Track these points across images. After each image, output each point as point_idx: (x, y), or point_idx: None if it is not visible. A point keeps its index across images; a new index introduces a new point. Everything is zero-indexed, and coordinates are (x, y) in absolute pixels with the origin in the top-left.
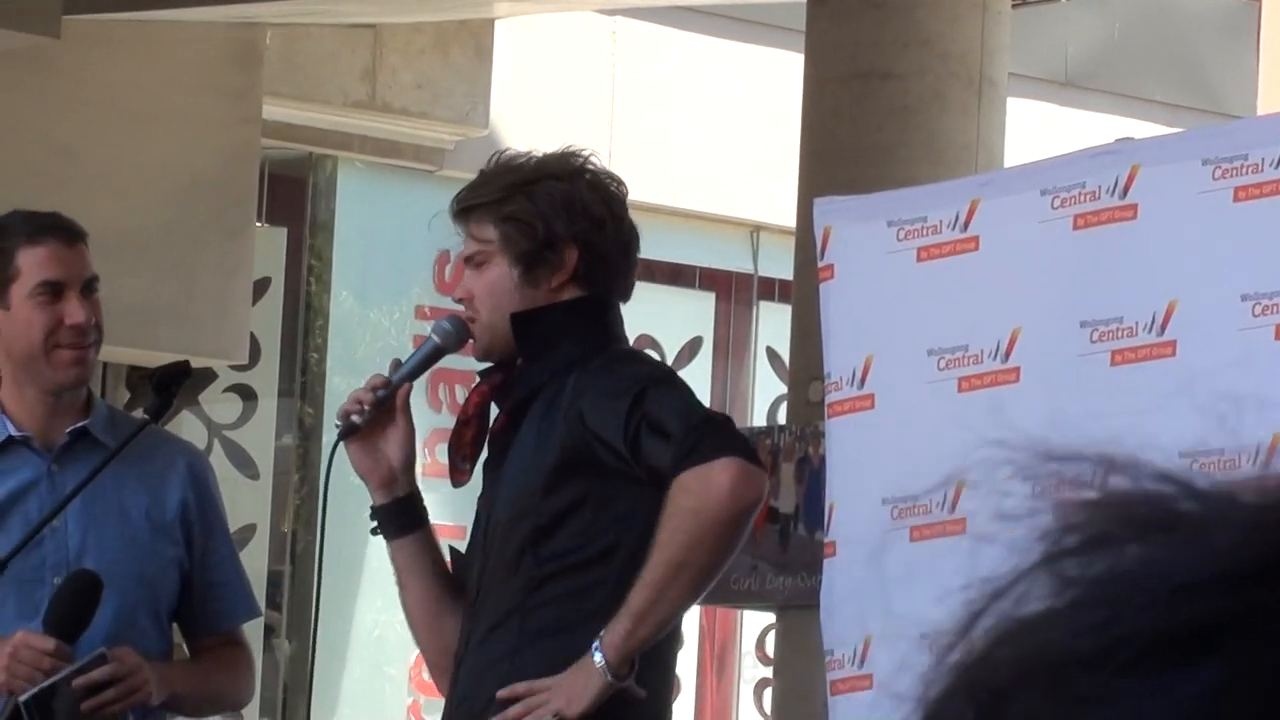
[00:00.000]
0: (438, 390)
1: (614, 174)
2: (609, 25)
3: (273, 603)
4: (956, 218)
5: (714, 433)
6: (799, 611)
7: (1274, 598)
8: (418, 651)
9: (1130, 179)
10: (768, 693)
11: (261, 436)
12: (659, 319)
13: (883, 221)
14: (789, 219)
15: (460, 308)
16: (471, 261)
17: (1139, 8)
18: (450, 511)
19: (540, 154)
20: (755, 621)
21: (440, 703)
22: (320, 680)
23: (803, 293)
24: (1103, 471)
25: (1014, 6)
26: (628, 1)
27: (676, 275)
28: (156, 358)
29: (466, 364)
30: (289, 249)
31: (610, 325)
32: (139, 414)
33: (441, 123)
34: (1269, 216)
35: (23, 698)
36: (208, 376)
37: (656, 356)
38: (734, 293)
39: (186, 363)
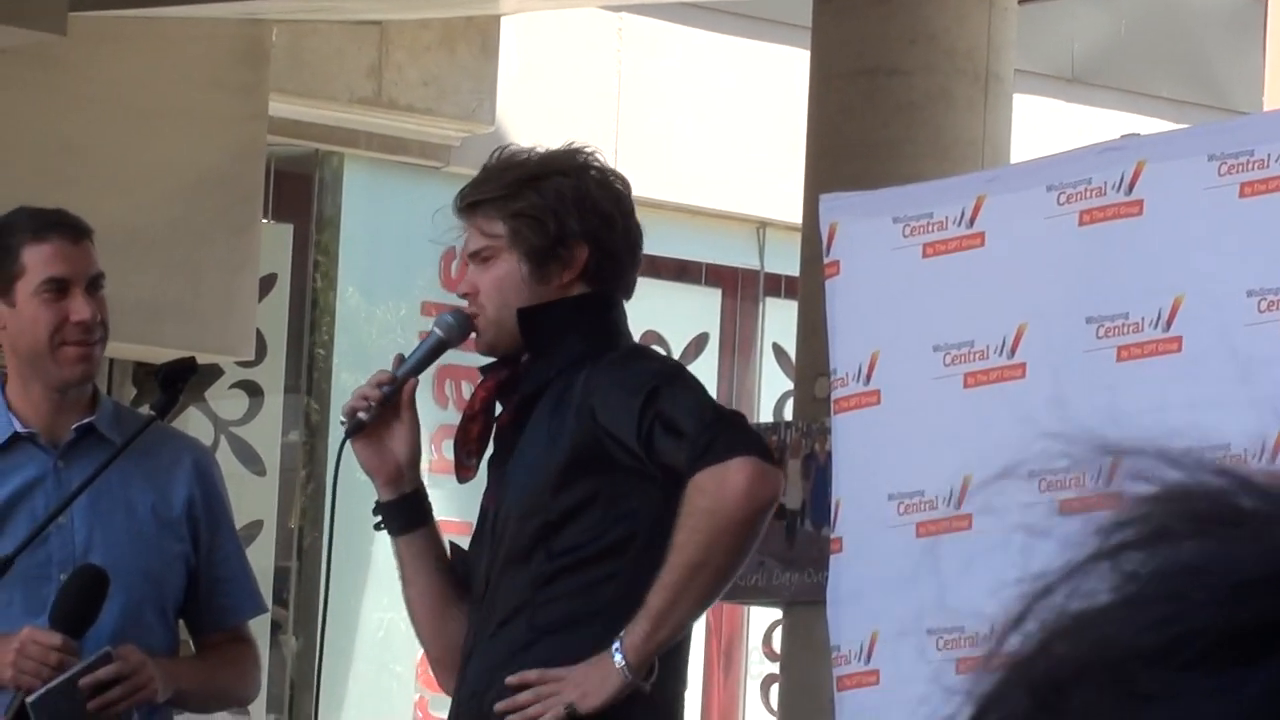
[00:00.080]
0: (444, 386)
1: (618, 172)
2: (614, 22)
3: (279, 599)
4: (962, 214)
5: (728, 430)
6: (805, 607)
7: None
8: None
9: (1136, 175)
10: (774, 688)
11: (268, 433)
12: (665, 315)
13: (888, 217)
14: (795, 215)
15: (463, 303)
16: (477, 256)
17: (1145, 4)
18: (456, 507)
19: (543, 150)
20: (762, 617)
21: (447, 699)
22: (327, 676)
23: (809, 289)
24: (1161, 465)
25: (1020, 2)
26: None
27: (682, 271)
28: (163, 354)
29: (473, 360)
30: (295, 245)
31: (616, 322)
32: (145, 410)
33: (447, 119)
34: (1274, 212)
35: (29, 699)
36: (214, 373)
37: (663, 353)
38: (740, 289)
39: (193, 359)
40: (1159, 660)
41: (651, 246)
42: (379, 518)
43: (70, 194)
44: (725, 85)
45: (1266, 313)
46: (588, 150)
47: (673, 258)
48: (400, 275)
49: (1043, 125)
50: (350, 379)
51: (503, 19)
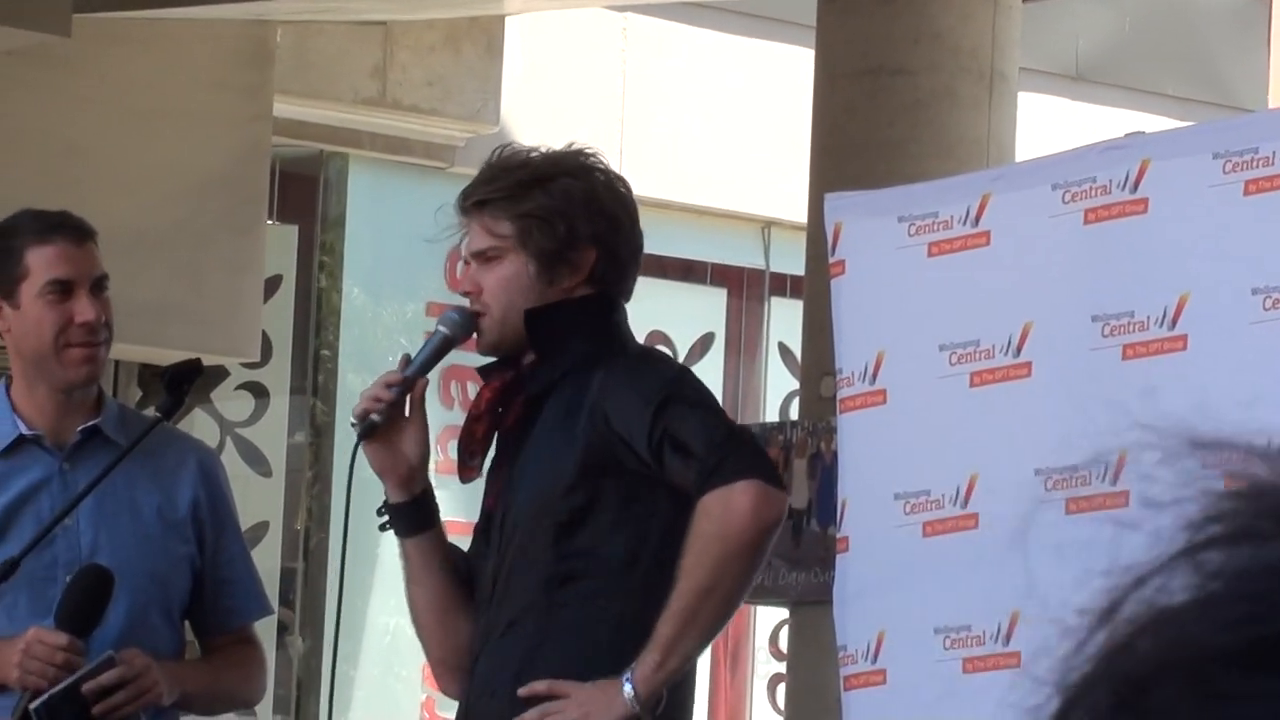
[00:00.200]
0: (449, 387)
1: (620, 175)
2: (619, 22)
3: (285, 600)
4: (967, 213)
5: (736, 451)
6: (812, 607)
7: None
8: None
9: (1141, 173)
10: (781, 688)
11: (274, 434)
12: (671, 315)
13: (894, 217)
14: (800, 214)
15: (466, 301)
16: (482, 256)
17: (1150, 1)
18: (463, 508)
19: (544, 150)
20: (769, 617)
21: (454, 700)
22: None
23: (814, 288)
24: (1250, 461)
25: (1024, 1)
26: None
27: (688, 271)
28: (168, 355)
29: (476, 361)
30: (300, 246)
31: (620, 323)
32: (151, 412)
33: (452, 120)
34: (1279, 209)
35: (32, 705)
36: (219, 374)
37: (669, 353)
38: (745, 288)
39: (198, 360)
40: (1238, 660)
41: (657, 246)
42: (384, 518)
43: (75, 195)
44: (730, 85)
45: (1272, 310)
46: (590, 152)
47: (678, 257)
48: (405, 276)
49: (1047, 124)
50: (356, 380)
51: (507, 19)
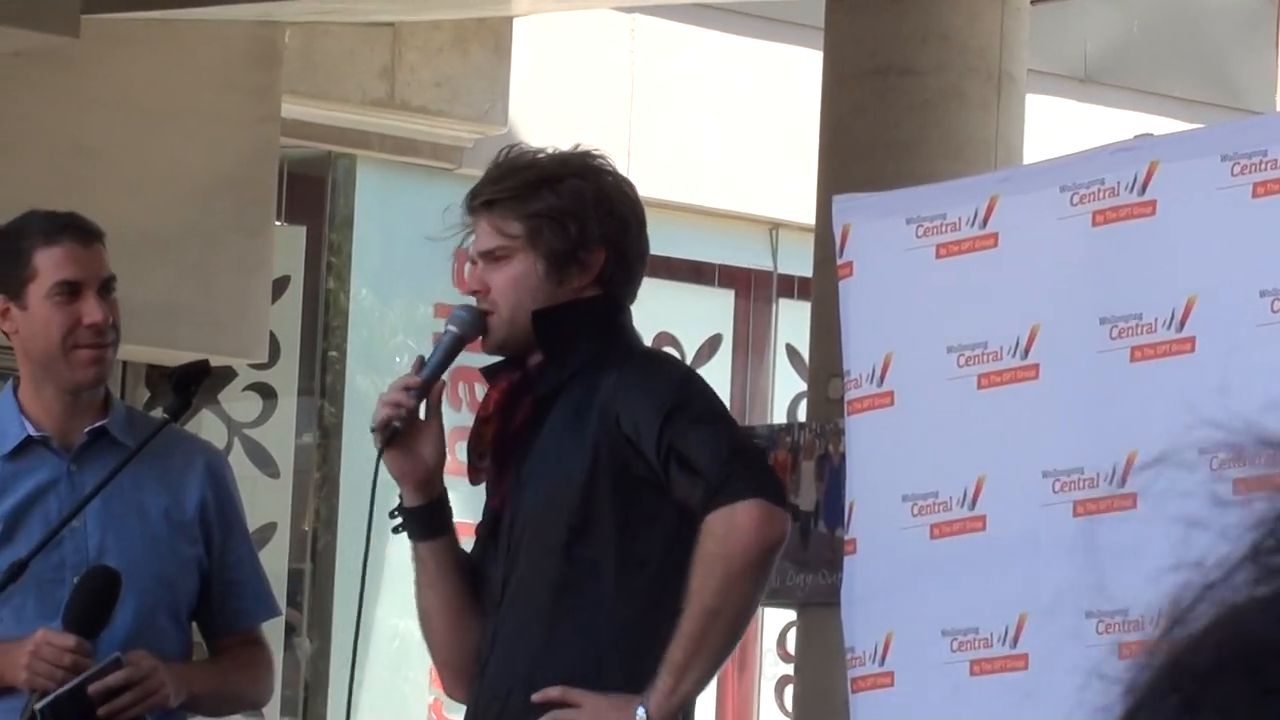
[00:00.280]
0: (457, 388)
1: (627, 178)
2: (627, 23)
3: (293, 601)
4: (975, 214)
5: (741, 469)
6: (820, 609)
7: None
8: None
9: (1149, 175)
10: (789, 690)
11: (281, 435)
12: (678, 317)
13: (901, 218)
14: (808, 216)
15: (473, 301)
16: (490, 255)
17: (1158, 3)
18: (471, 510)
19: (552, 151)
20: (776, 619)
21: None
22: (343, 678)
23: (822, 290)
24: None
25: (1033, 2)
26: None
27: (696, 273)
28: (176, 357)
29: (485, 361)
30: (308, 247)
31: (626, 325)
32: (159, 413)
33: (460, 121)
34: None
35: (38, 705)
36: (227, 375)
37: (676, 355)
38: (753, 290)
39: (206, 362)
40: None
41: (665, 248)
42: (397, 521)
43: (83, 196)
44: (738, 86)
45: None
46: (598, 154)
47: (686, 259)
48: (413, 276)
49: (1056, 125)
50: (364, 381)
51: (515, 20)
